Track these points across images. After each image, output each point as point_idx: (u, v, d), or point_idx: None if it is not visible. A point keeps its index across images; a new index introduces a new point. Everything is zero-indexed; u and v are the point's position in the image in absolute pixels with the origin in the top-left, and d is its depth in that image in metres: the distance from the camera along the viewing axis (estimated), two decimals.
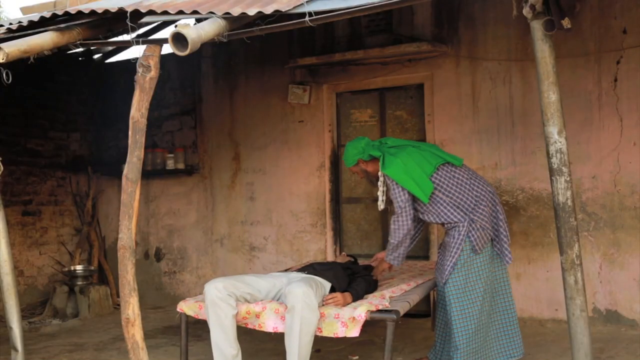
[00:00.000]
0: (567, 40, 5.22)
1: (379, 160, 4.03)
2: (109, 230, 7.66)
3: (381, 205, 4.12)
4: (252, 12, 3.50)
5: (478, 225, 3.90)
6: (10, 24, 4.35)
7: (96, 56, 7.80)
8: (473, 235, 3.89)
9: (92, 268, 7.14)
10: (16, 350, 4.13)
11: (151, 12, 3.70)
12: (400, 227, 3.98)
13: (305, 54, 6.27)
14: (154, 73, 3.42)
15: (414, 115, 6.20)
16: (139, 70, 3.41)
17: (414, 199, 3.97)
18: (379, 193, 4.09)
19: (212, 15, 3.49)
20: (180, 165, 7.14)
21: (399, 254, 4.08)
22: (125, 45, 4.35)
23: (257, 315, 3.83)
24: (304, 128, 6.58)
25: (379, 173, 4.03)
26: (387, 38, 5.87)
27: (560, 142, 3.21)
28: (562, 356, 4.53)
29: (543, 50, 3.20)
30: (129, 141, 3.42)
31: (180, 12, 3.66)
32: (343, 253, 6.30)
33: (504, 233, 3.99)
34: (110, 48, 7.44)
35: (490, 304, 4.00)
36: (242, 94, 6.92)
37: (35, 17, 4.21)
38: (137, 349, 3.40)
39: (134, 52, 4.11)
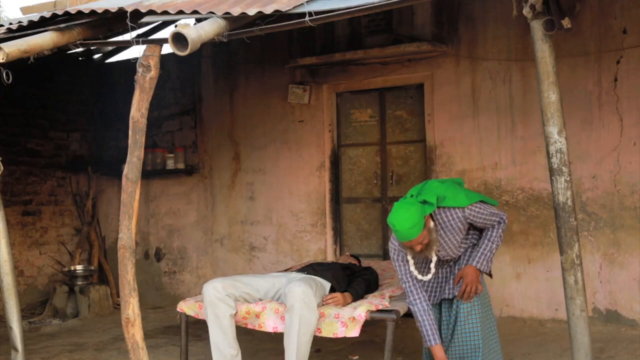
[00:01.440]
0: (567, 40, 5.22)
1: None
2: (109, 230, 7.66)
3: (434, 270, 3.58)
4: (252, 12, 3.50)
5: None
6: (10, 24, 4.35)
7: (96, 56, 7.80)
8: None
9: (92, 268, 7.14)
10: (16, 350, 4.13)
11: (151, 12, 3.70)
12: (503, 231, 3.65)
13: (305, 54, 6.27)
14: (154, 73, 3.42)
15: (414, 115, 6.20)
16: (139, 70, 3.41)
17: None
18: (433, 254, 3.51)
19: (212, 15, 3.49)
20: (180, 165, 7.14)
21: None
22: (125, 45, 4.35)
23: (257, 315, 3.84)
24: (304, 128, 6.58)
25: (432, 227, 3.46)
26: (387, 38, 5.87)
27: (560, 141, 3.20)
28: (562, 356, 4.53)
29: (543, 50, 3.20)
30: (129, 141, 3.42)
31: (180, 12, 3.66)
32: (347, 253, 6.30)
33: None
34: (110, 48, 7.44)
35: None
36: (242, 94, 6.92)
37: (35, 17, 4.21)
38: (137, 349, 3.40)
39: (134, 52, 4.12)
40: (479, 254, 3.58)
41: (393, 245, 3.61)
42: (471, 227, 3.66)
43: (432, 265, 3.57)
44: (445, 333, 3.69)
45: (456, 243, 3.61)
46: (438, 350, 3.51)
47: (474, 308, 3.59)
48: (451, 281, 3.67)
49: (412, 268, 3.55)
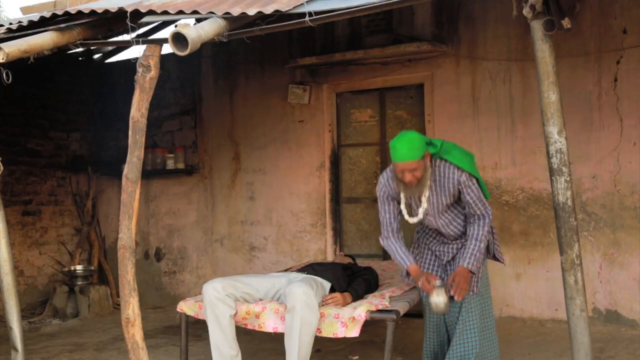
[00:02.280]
0: (567, 40, 5.22)
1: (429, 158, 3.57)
2: (109, 230, 7.66)
3: (420, 215, 3.62)
4: (252, 12, 3.50)
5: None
6: (10, 24, 4.35)
7: (96, 56, 7.80)
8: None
9: (92, 268, 7.14)
10: (16, 350, 4.13)
11: (151, 12, 3.71)
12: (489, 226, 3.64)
13: (305, 54, 6.27)
14: (154, 73, 3.42)
15: (414, 115, 6.20)
16: (139, 70, 3.41)
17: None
18: (424, 198, 3.57)
19: (212, 15, 3.49)
20: (180, 165, 7.14)
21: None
22: (125, 45, 4.35)
23: (257, 316, 3.83)
24: (304, 128, 6.58)
25: (436, 174, 3.58)
26: (387, 38, 5.87)
27: (560, 142, 3.20)
28: (562, 356, 4.53)
29: (543, 50, 3.20)
30: (129, 141, 3.43)
31: (180, 12, 3.66)
32: (340, 253, 6.30)
33: (495, 235, 3.91)
34: (110, 48, 7.44)
35: None
36: (242, 94, 6.92)
37: (35, 17, 4.21)
38: (137, 349, 3.40)
39: (134, 52, 4.11)
40: (468, 255, 3.58)
41: (382, 179, 3.71)
42: (458, 203, 3.67)
43: (421, 210, 3.61)
44: (450, 329, 3.74)
45: (441, 205, 3.63)
46: (413, 268, 3.65)
47: (473, 307, 3.63)
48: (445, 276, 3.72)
49: (402, 205, 3.64)
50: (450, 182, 3.58)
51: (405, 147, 3.43)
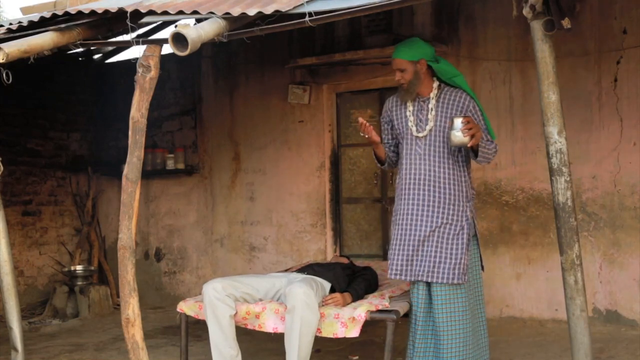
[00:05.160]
0: (567, 40, 5.22)
1: (432, 77, 3.71)
2: (109, 230, 7.66)
3: (426, 132, 3.64)
4: (252, 12, 3.50)
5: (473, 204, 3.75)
6: (10, 24, 4.35)
7: (96, 56, 7.80)
8: (474, 213, 3.70)
9: (92, 268, 7.14)
10: (16, 350, 4.13)
11: (151, 12, 3.71)
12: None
13: (305, 54, 6.27)
14: (154, 73, 3.42)
15: None
16: (139, 70, 3.41)
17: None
18: (430, 116, 3.63)
19: (212, 15, 3.49)
20: (180, 165, 7.14)
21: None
22: (125, 45, 4.35)
23: (257, 316, 3.84)
24: (304, 128, 6.58)
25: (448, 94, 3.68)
26: (387, 38, 5.87)
27: (560, 142, 3.20)
28: (562, 356, 4.53)
29: (543, 50, 3.19)
30: (129, 141, 3.43)
31: (180, 12, 3.66)
32: (335, 254, 6.30)
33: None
34: (110, 48, 7.44)
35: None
36: (242, 94, 6.92)
37: (35, 17, 4.21)
38: (137, 349, 3.40)
39: (134, 52, 4.12)
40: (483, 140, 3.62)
41: (385, 105, 3.91)
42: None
43: (427, 128, 3.66)
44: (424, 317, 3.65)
45: (444, 133, 3.63)
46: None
47: (457, 297, 3.55)
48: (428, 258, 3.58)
49: (411, 118, 3.70)
50: (457, 107, 3.66)
51: (403, 45, 3.67)
